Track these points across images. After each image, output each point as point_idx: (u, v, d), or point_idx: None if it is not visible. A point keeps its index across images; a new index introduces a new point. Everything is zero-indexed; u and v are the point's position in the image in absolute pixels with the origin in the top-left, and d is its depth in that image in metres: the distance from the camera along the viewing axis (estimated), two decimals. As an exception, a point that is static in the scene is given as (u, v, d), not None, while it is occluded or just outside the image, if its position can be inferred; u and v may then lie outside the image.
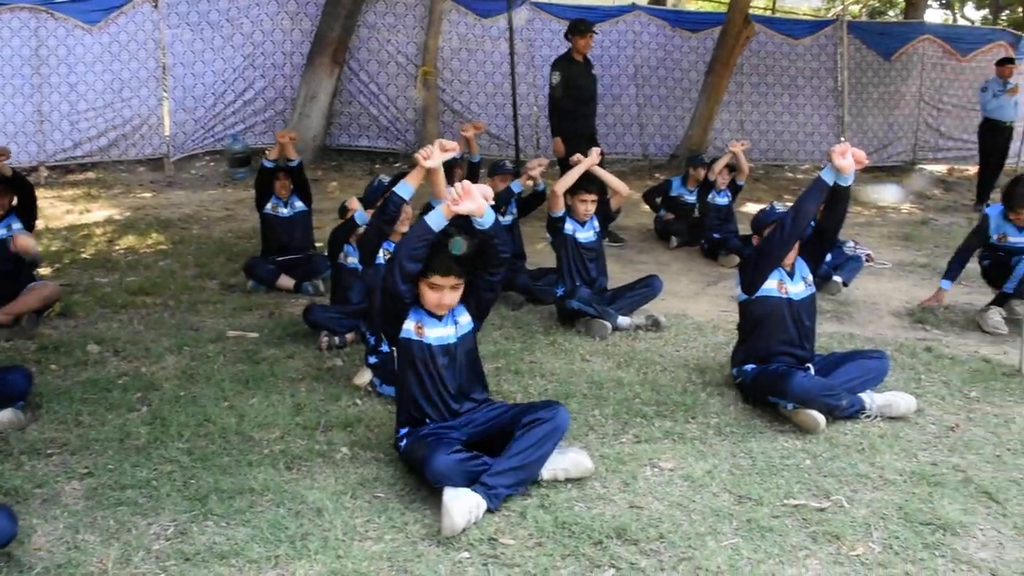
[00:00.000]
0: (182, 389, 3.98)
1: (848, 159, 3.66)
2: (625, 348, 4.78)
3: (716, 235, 7.20)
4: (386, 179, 4.09)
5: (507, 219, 5.95)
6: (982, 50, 13.47)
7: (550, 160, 6.83)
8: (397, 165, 10.99)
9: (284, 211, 6.04)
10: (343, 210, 5.04)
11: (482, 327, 3.45)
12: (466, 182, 3.03)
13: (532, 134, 11.49)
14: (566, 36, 7.49)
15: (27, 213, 5.05)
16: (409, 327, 3.17)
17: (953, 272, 5.64)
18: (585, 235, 5.27)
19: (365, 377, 4.03)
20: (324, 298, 5.48)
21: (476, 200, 3.01)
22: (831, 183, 3.75)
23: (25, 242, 4.62)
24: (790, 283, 3.98)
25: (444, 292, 3.13)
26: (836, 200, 3.85)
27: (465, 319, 3.29)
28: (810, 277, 4.08)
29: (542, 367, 4.41)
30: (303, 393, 3.98)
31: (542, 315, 5.39)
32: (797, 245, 3.97)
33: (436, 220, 3.05)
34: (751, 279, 3.95)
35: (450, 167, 5.07)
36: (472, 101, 11.32)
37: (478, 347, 3.39)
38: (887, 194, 5.81)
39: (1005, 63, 10.44)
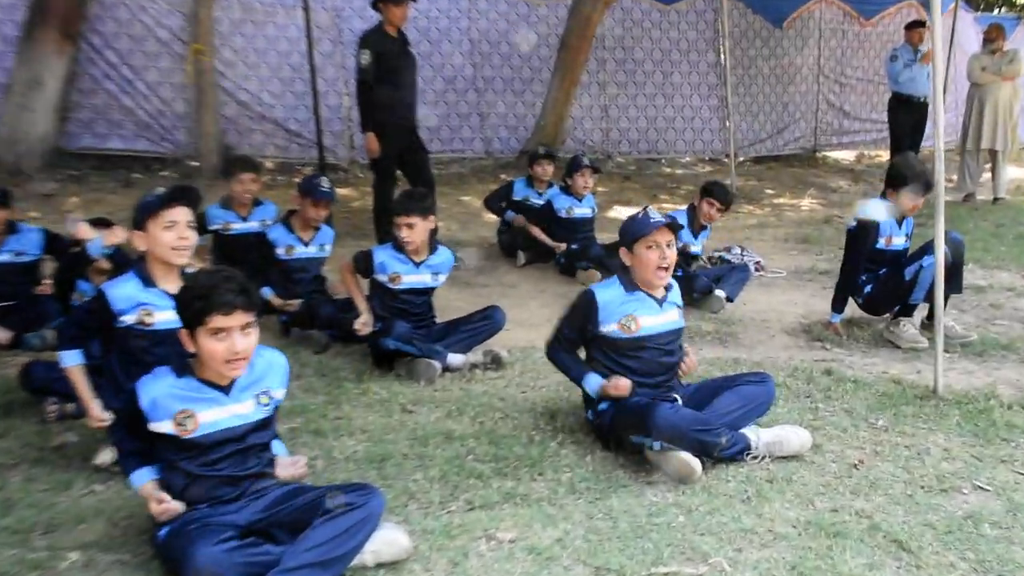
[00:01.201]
0: None
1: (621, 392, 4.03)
2: (457, 393, 4.84)
3: (573, 247, 7.44)
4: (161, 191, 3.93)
5: (313, 251, 6.13)
6: (888, 12, 14.71)
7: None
8: (164, 174, 10.70)
9: None
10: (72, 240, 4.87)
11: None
12: None
13: (343, 129, 11.54)
14: (374, 5, 7.55)
15: None
16: (163, 427, 3.07)
17: (841, 303, 5.94)
18: (416, 279, 5.35)
19: (107, 456, 3.87)
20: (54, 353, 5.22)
21: None
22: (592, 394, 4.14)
23: None
24: (656, 313, 4.18)
25: (234, 336, 3.03)
26: None
27: (281, 393, 3.31)
28: (681, 303, 4.33)
29: (351, 424, 4.40)
30: (16, 484, 3.76)
31: (353, 357, 5.40)
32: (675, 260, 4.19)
33: None
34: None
35: None
36: (263, 89, 11.21)
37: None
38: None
39: (915, 27, 11.17)
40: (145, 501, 3.14)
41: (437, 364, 5.02)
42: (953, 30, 13.58)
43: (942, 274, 4.92)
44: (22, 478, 3.83)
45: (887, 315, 6.02)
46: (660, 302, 4.19)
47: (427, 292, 5.45)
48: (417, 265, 5.33)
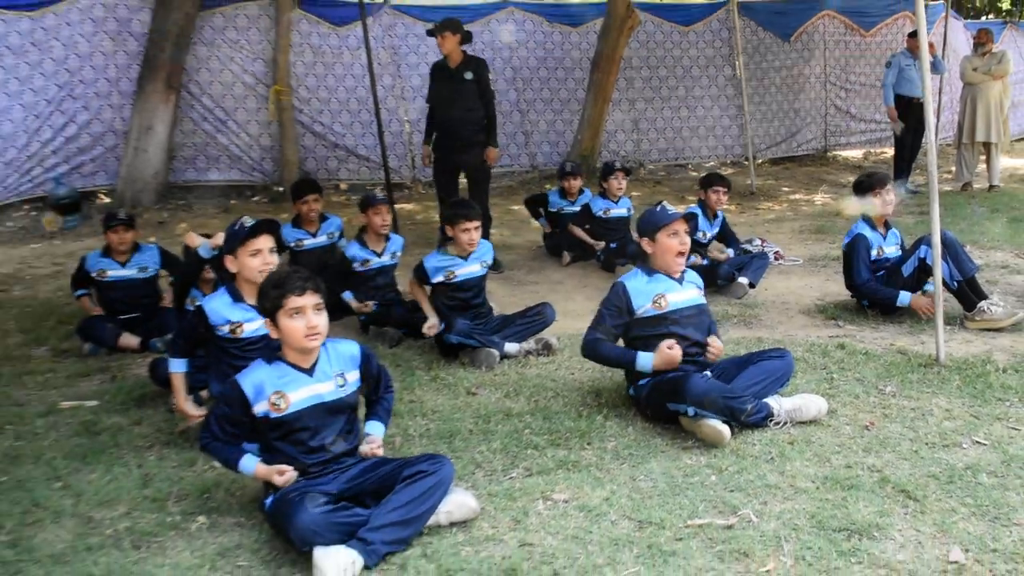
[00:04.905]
0: (4, 474, 3.89)
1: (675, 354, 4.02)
2: (514, 377, 4.93)
3: (612, 245, 7.49)
4: (249, 221, 4.11)
5: (387, 259, 6.13)
6: (886, 23, 14.54)
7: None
8: (255, 199, 10.97)
9: (119, 272, 5.86)
10: (185, 251, 5.04)
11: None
12: None
13: (405, 152, 11.69)
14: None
15: None
16: (262, 408, 3.20)
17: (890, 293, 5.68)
18: (468, 270, 5.42)
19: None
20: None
21: None
22: (644, 369, 4.12)
23: None
24: (678, 290, 4.23)
25: (308, 314, 3.17)
26: None
27: (354, 376, 3.37)
28: (700, 284, 4.36)
29: (423, 405, 4.51)
30: (152, 461, 3.96)
31: (422, 349, 5.50)
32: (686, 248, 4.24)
33: None
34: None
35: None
36: (334, 121, 11.41)
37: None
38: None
39: (916, 35, 10.95)
40: (259, 479, 3.30)
41: (496, 353, 5.10)
42: (945, 36, 13.41)
43: (939, 253, 4.87)
44: (156, 457, 4.03)
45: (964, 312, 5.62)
46: (679, 281, 4.25)
47: (480, 282, 5.49)
48: (466, 258, 5.39)
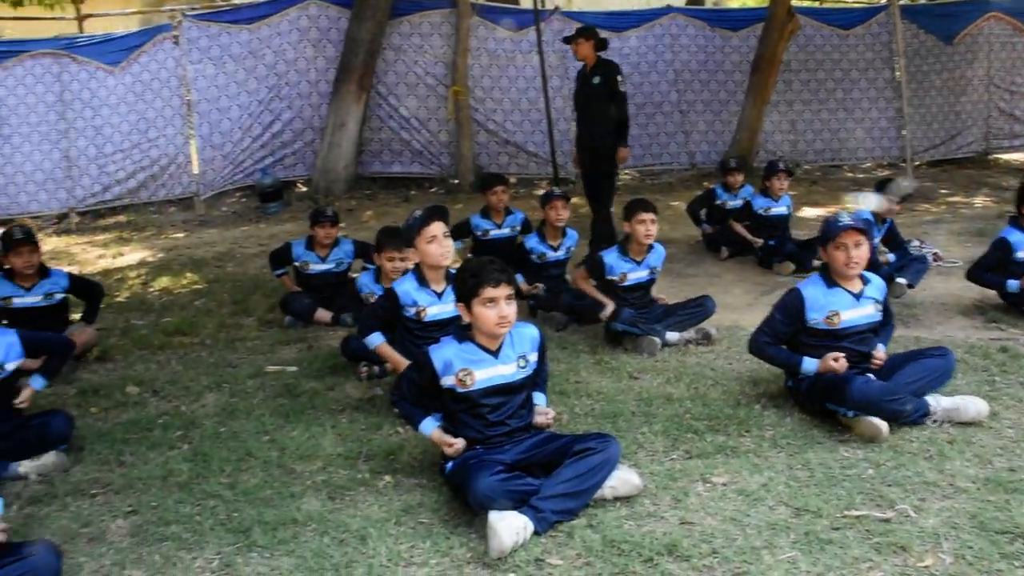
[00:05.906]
0: (222, 425, 4.19)
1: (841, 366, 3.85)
2: (675, 364, 4.87)
3: (770, 242, 7.28)
4: (418, 213, 4.27)
5: (561, 254, 6.21)
6: (1060, 23, 13.30)
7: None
8: (433, 191, 11.26)
9: (319, 267, 6.13)
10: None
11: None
12: None
13: (572, 149, 11.63)
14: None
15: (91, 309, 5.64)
16: (449, 382, 3.28)
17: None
18: (637, 275, 5.37)
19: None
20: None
21: None
22: (806, 371, 3.98)
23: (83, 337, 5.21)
24: (854, 306, 4.01)
25: (500, 304, 3.22)
26: None
27: (534, 357, 3.41)
28: (880, 297, 4.10)
29: (588, 387, 4.51)
30: (344, 424, 4.15)
31: (587, 334, 5.50)
32: (867, 257, 4.01)
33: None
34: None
35: None
36: (506, 119, 11.55)
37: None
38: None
39: None
40: (433, 443, 3.42)
41: (658, 340, 5.05)
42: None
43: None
44: (347, 420, 4.23)
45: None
46: (857, 296, 4.02)
47: (647, 286, 5.45)
48: (639, 263, 5.36)
